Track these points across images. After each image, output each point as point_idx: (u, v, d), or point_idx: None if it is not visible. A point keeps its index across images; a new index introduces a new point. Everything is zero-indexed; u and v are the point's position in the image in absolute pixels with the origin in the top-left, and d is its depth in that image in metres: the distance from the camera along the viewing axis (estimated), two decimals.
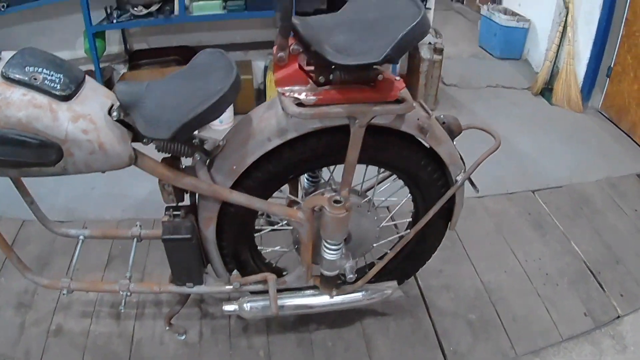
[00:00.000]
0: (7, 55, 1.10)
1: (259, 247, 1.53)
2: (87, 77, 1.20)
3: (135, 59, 2.92)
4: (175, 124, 1.07)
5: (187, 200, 1.38)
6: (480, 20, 4.06)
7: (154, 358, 1.56)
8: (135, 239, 1.52)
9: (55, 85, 1.08)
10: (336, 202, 1.24)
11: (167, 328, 1.54)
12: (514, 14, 3.75)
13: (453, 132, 1.39)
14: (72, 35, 2.81)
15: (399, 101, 1.17)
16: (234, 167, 1.24)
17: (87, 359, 1.54)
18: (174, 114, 1.08)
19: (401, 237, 1.49)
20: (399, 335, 1.64)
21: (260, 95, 3.04)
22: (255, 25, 2.94)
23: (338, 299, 1.48)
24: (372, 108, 1.13)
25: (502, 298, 1.79)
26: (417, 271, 1.70)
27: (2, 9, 2.41)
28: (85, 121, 1.10)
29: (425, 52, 2.92)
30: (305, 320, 1.66)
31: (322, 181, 1.51)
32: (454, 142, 1.38)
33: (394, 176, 1.47)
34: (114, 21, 2.60)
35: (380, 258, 1.55)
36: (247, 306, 1.44)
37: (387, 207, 1.82)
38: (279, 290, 1.44)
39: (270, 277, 1.41)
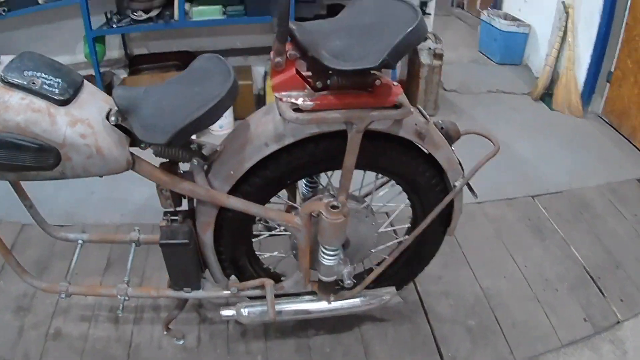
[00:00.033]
0: (6, 59, 1.11)
1: (257, 253, 1.52)
2: (85, 81, 1.21)
3: (135, 63, 2.93)
4: (172, 129, 1.07)
5: (185, 206, 1.39)
6: (480, 26, 4.07)
7: None
8: (133, 244, 1.52)
9: (54, 90, 1.09)
10: (333, 207, 1.24)
11: (165, 333, 1.54)
12: (514, 19, 3.76)
13: (451, 137, 1.39)
14: (72, 40, 2.82)
15: (396, 106, 1.17)
16: (232, 173, 1.24)
17: None
18: (171, 119, 1.08)
19: (400, 243, 1.49)
20: (398, 341, 1.64)
21: (260, 101, 3.05)
22: (255, 30, 2.95)
23: (336, 304, 1.47)
24: (369, 113, 1.14)
25: (502, 304, 1.79)
26: (415, 277, 1.69)
27: (3, 13, 2.43)
28: (83, 125, 1.10)
29: (425, 58, 2.93)
30: (304, 325, 1.66)
31: (321, 187, 1.51)
32: (453, 148, 1.37)
33: (393, 182, 1.47)
34: (114, 26, 2.61)
35: (379, 264, 1.54)
36: (244, 311, 1.43)
37: (387, 213, 1.82)
38: (277, 296, 1.44)
39: (268, 282, 1.41)
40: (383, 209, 1.57)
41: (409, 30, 1.02)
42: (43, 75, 1.09)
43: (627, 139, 2.87)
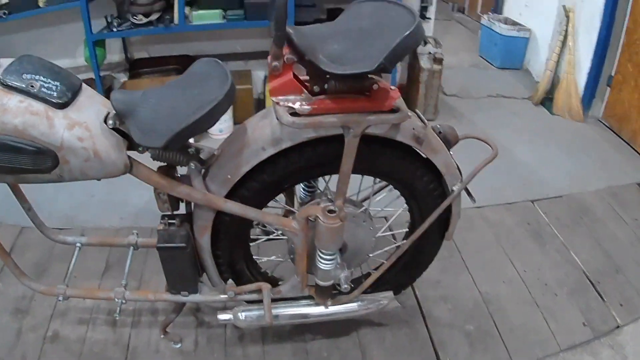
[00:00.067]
0: (6, 62, 1.11)
1: (255, 257, 1.52)
2: (83, 85, 1.21)
3: (135, 67, 2.94)
4: (168, 132, 1.07)
5: (183, 209, 1.39)
6: (480, 30, 4.07)
7: None
8: (131, 247, 1.53)
9: (52, 93, 1.09)
10: (330, 212, 1.24)
11: (162, 336, 1.54)
12: (514, 23, 3.76)
13: (449, 141, 1.38)
14: (72, 44, 2.83)
15: (394, 111, 1.17)
16: (229, 176, 1.24)
17: None
18: (168, 122, 1.09)
19: (397, 248, 1.49)
20: (395, 345, 1.63)
21: (260, 105, 3.05)
22: (256, 35, 2.96)
23: (333, 309, 1.47)
24: (366, 117, 1.14)
25: (500, 308, 1.78)
26: (414, 281, 1.69)
27: (4, 16, 2.44)
28: (80, 129, 1.11)
29: (425, 62, 2.93)
30: (301, 329, 1.65)
31: (319, 191, 1.51)
32: (451, 152, 1.37)
33: (391, 186, 1.46)
34: (114, 30, 2.62)
35: (377, 268, 1.54)
36: (242, 315, 1.43)
37: (385, 217, 1.82)
38: (274, 300, 1.43)
39: (265, 286, 1.40)
40: (381, 213, 1.57)
41: (405, 34, 1.02)
42: (42, 78, 1.10)
43: (627, 143, 2.86)
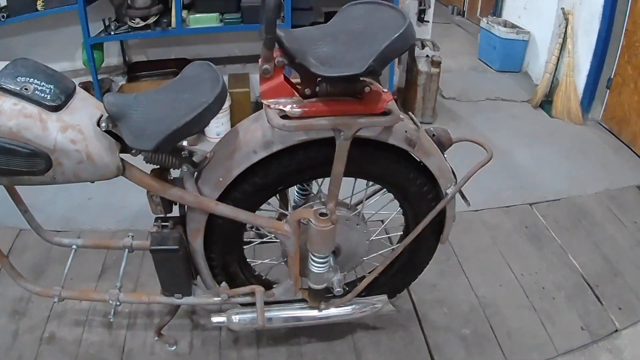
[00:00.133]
0: (1, 65, 1.12)
1: (249, 260, 1.52)
2: (78, 87, 1.21)
3: (133, 70, 2.95)
4: (159, 135, 1.08)
5: (177, 212, 1.39)
6: (479, 33, 4.07)
7: None
8: (126, 250, 1.53)
9: (46, 96, 1.10)
10: (322, 215, 1.23)
11: (156, 338, 1.54)
12: (513, 26, 3.76)
13: (443, 144, 1.38)
14: (71, 47, 2.85)
15: (386, 113, 1.17)
16: (220, 179, 1.24)
17: None
18: (158, 125, 1.09)
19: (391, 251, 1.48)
20: (391, 349, 1.63)
21: (258, 108, 3.00)
22: (253, 38, 2.96)
23: (327, 312, 1.47)
24: (357, 120, 1.13)
25: (497, 312, 1.77)
26: (409, 285, 1.68)
27: (2, 19, 2.46)
28: (74, 131, 1.11)
29: (422, 65, 2.93)
30: (296, 332, 1.65)
31: (312, 195, 1.51)
32: (445, 155, 1.37)
33: (384, 190, 1.46)
34: (112, 33, 2.63)
35: (371, 272, 1.53)
36: (235, 318, 1.43)
37: (382, 221, 1.81)
38: (268, 303, 1.43)
39: (258, 289, 1.40)
40: (377, 216, 1.56)
41: (395, 36, 1.02)
42: (36, 81, 1.11)
43: (627, 146, 2.85)
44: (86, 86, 2.65)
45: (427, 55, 2.94)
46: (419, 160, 1.32)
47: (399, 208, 1.47)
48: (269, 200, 1.37)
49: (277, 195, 1.47)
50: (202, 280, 1.44)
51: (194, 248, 1.34)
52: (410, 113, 1.34)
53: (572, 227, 2.20)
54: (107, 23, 2.65)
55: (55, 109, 1.11)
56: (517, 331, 1.70)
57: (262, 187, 1.28)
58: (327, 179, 1.29)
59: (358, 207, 1.47)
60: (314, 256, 1.31)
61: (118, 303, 1.42)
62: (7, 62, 1.13)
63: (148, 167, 1.28)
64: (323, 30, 1.18)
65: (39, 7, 2.53)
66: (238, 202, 1.28)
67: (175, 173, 1.31)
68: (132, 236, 1.56)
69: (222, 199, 1.27)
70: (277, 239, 1.39)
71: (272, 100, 1.14)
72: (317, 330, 1.63)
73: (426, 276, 1.64)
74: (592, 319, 1.75)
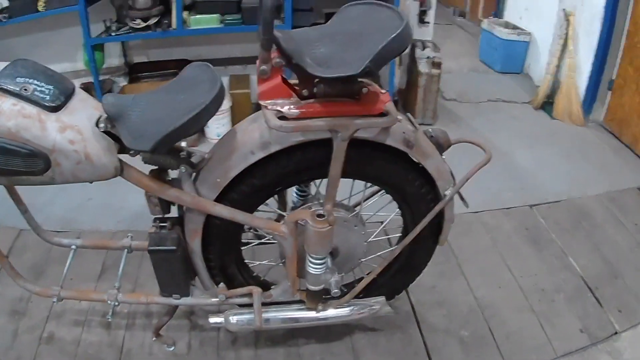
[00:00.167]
0: (0, 66, 1.13)
1: (248, 261, 1.52)
2: (77, 88, 1.22)
3: (135, 71, 2.96)
4: (156, 136, 1.08)
5: (175, 213, 1.39)
6: (481, 34, 4.07)
7: None
8: (125, 250, 1.53)
9: (45, 97, 1.11)
10: (319, 216, 1.23)
11: (154, 339, 1.54)
12: (514, 27, 3.75)
13: (441, 145, 1.38)
14: (72, 48, 2.85)
15: (383, 114, 1.17)
16: (218, 180, 1.24)
17: None
18: (156, 126, 1.09)
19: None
20: (389, 351, 1.62)
21: (258, 109, 3.02)
22: (254, 39, 2.94)
23: (324, 313, 1.46)
24: (354, 121, 1.13)
25: (496, 314, 1.76)
26: (407, 286, 1.67)
27: (3, 20, 2.47)
28: (72, 132, 1.12)
29: (423, 66, 2.93)
30: (294, 334, 1.65)
31: (311, 196, 1.51)
32: (443, 156, 1.37)
33: (382, 191, 1.46)
34: (113, 34, 2.63)
35: (369, 273, 1.53)
36: (233, 319, 1.43)
37: (381, 222, 1.81)
38: (266, 304, 1.43)
39: (256, 290, 1.40)
40: (375, 218, 1.56)
41: (391, 37, 1.02)
42: (35, 82, 1.11)
43: (628, 147, 2.84)
44: (87, 87, 2.66)
45: (428, 57, 2.94)
46: (417, 161, 1.32)
47: (398, 209, 1.46)
48: (267, 202, 1.37)
49: (276, 196, 1.47)
50: (200, 281, 1.44)
51: (192, 249, 1.34)
52: (408, 114, 1.34)
53: (572, 229, 2.19)
54: (108, 24, 2.66)
55: (54, 109, 1.11)
56: (516, 333, 1.69)
57: (259, 188, 1.28)
58: (326, 180, 1.29)
59: (356, 208, 1.47)
60: (312, 257, 1.31)
61: (116, 303, 1.42)
62: (7, 63, 1.14)
63: (147, 168, 1.28)
64: (320, 31, 1.18)
65: (40, 8, 2.54)
66: (236, 203, 1.28)
67: (174, 174, 1.32)
68: (131, 237, 1.56)
69: (220, 199, 1.27)
70: (275, 240, 1.39)
71: (269, 101, 1.14)
72: (315, 332, 1.63)
73: (425, 278, 1.64)
74: (591, 321, 1.74)
